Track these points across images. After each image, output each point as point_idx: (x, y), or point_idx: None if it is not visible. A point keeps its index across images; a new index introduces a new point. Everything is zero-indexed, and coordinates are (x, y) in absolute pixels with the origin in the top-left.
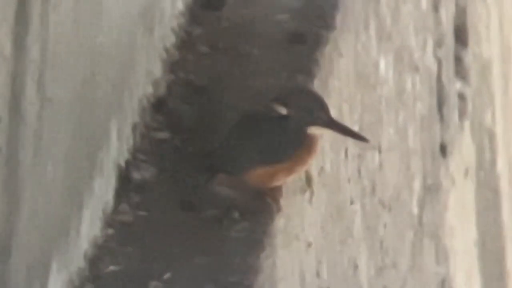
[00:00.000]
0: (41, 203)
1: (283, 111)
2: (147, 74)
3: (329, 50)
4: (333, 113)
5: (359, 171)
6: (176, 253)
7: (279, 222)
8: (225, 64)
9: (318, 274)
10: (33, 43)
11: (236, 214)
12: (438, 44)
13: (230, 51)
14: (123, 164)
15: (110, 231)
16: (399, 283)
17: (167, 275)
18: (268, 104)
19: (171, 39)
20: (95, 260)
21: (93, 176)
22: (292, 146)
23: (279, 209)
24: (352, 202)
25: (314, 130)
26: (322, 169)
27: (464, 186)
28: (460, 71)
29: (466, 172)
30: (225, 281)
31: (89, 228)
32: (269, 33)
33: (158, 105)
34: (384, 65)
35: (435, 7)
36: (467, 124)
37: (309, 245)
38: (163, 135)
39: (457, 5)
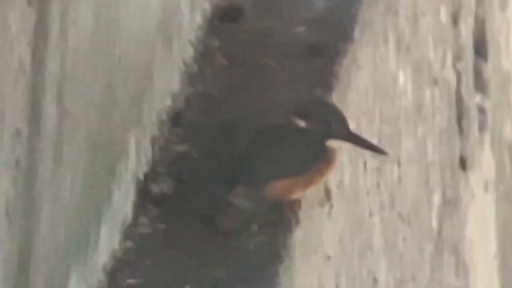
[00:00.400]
0: (59, 216)
1: (302, 123)
2: (165, 87)
3: (347, 63)
4: (352, 126)
5: (378, 184)
6: (194, 266)
7: (298, 235)
8: (243, 77)
9: (337, 287)
10: (52, 56)
11: (254, 227)
12: (458, 57)
13: (248, 64)
14: (141, 177)
15: (129, 244)
16: None
17: None
18: (286, 116)
19: (189, 52)
20: (114, 273)
21: (112, 189)
22: (310, 159)
23: (297, 222)
24: (371, 215)
25: (332, 143)
26: (341, 182)
27: (484, 199)
28: (480, 84)
29: (486, 186)
30: None
31: (107, 241)
32: (288, 45)
33: (177, 118)
34: (403, 77)
35: (455, 20)
36: (487, 137)
37: (328, 258)
38: (182, 148)
39: (476, 18)
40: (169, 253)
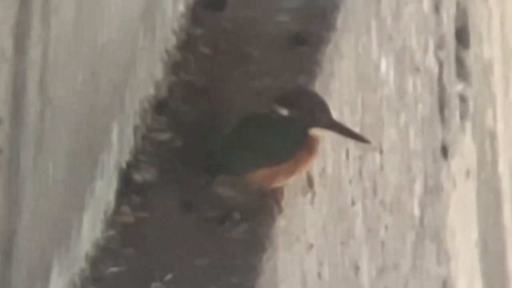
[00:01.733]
0: (42, 205)
1: (285, 112)
2: (148, 76)
3: (330, 51)
4: (334, 114)
5: (360, 172)
6: (177, 255)
7: (281, 223)
8: (226, 65)
9: (319, 276)
10: (34, 44)
11: (237, 216)
12: (439, 45)
13: (231, 52)
14: (124, 165)
15: (112, 232)
16: (401, 284)
17: (168, 277)
18: (269, 105)
19: (172, 41)
20: (96, 262)
21: (94, 178)
22: (293, 147)
23: (280, 211)
24: (353, 203)
25: (315, 131)
26: (323, 170)
27: (466, 187)
28: (461, 72)
29: (467, 174)
30: (227, 283)
31: (90, 229)
32: (270, 34)
33: (160, 107)
34: (385, 66)
35: (436, 8)
36: (468, 125)
37: (310, 246)
38: (165, 136)
39: (458, 6)
40: (152, 242)
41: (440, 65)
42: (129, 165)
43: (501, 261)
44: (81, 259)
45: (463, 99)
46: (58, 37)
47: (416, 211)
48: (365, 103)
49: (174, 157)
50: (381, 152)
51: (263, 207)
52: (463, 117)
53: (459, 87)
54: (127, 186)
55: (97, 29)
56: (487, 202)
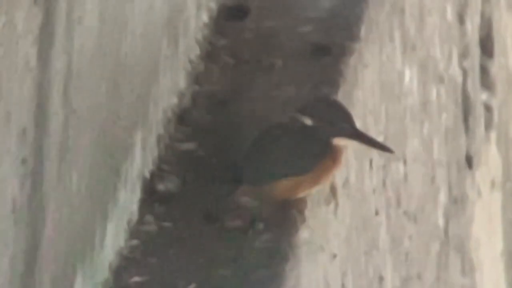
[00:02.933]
0: (66, 215)
1: (308, 122)
2: (171, 85)
3: (353, 61)
4: (358, 124)
5: (384, 182)
6: (200, 264)
7: (304, 233)
8: (249, 75)
9: (343, 286)
10: (58, 54)
11: (260, 225)
12: (464, 54)
13: (254, 62)
14: (147, 175)
15: (135, 242)
16: None
17: (191, 286)
18: (292, 115)
19: (195, 51)
20: (120, 271)
21: (118, 187)
22: (317, 157)
23: (303, 220)
24: (377, 213)
25: (338, 141)
26: (346, 180)
27: (491, 197)
28: (486, 81)
29: (493, 184)
30: None
31: (114, 239)
32: (293, 44)
33: (183, 116)
34: (409, 76)
35: (461, 18)
36: (493, 135)
37: (334, 256)
38: (188, 146)
39: (482, 15)
40: (175, 251)
41: (464, 74)
42: (152, 174)
43: None
44: (105, 268)
45: (487, 108)
46: (81, 47)
47: (441, 221)
48: (389, 113)
49: (197, 166)
50: (404, 162)
51: (286, 217)
52: (487, 126)
53: (483, 96)
54: (150, 196)
55: (120, 39)
56: None
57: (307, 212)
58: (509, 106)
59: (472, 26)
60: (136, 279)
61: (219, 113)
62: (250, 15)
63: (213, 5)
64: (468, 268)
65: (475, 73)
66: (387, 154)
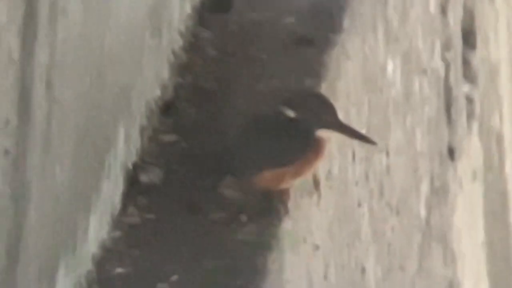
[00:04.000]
0: (49, 206)
1: (291, 114)
2: (155, 77)
3: (336, 53)
4: (341, 116)
5: (366, 174)
6: (183, 256)
7: (287, 224)
8: (233, 68)
9: (325, 277)
10: (41, 45)
11: (243, 217)
12: (446, 47)
13: (238, 55)
14: (130, 167)
15: (118, 233)
16: (407, 286)
17: (174, 278)
18: (276, 107)
19: (179, 42)
20: (102, 263)
21: (101, 179)
22: (300, 149)
23: (286, 212)
24: (359, 205)
25: (322, 133)
26: (329, 172)
27: (472, 188)
28: (468, 73)
29: (474, 175)
30: (233, 284)
31: (96, 230)
32: (277, 36)
33: (166, 108)
34: (392, 67)
35: (443, 10)
36: (475, 126)
37: (316, 248)
38: (171, 138)
39: (465, 8)
40: (158, 243)
41: (447, 66)
42: (135, 166)
43: (507, 262)
44: (88, 260)
45: (469, 100)
46: (65, 38)
47: (423, 213)
48: (372, 104)
49: (180, 158)
50: (387, 153)
51: (269, 209)
52: (469, 118)
53: (465, 88)
54: (133, 187)
55: (104, 30)
56: (493, 204)
57: (290, 204)
58: (491, 98)
59: (455, 18)
60: (119, 270)
61: (202, 105)
62: (234, 7)
63: None
64: (449, 259)
65: (458, 65)
66: (370, 146)
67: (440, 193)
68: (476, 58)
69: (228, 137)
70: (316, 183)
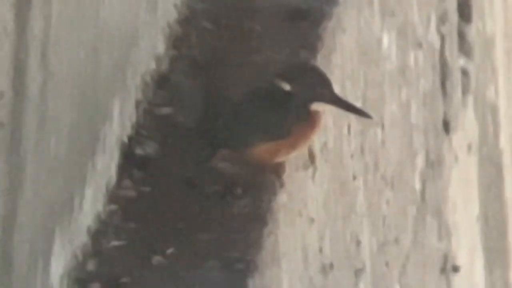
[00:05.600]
0: (44, 179)
1: (286, 87)
2: (150, 50)
3: (332, 26)
4: (336, 89)
5: (361, 147)
6: (179, 229)
7: (282, 198)
8: (228, 40)
9: (320, 250)
10: (35, 18)
11: (239, 190)
12: (442, 20)
13: (233, 27)
14: (126, 140)
15: (113, 206)
16: (402, 258)
17: (170, 250)
18: (271, 80)
19: (173, 15)
20: (98, 236)
21: (96, 152)
22: (295, 122)
23: (281, 185)
24: (354, 178)
25: (317, 106)
26: (325, 145)
27: (467, 161)
28: (464, 47)
29: (469, 148)
30: (228, 257)
31: (92, 203)
32: (272, 9)
33: (161, 81)
34: (387, 41)
35: None
36: (470, 99)
37: (311, 221)
38: (166, 111)
39: None
40: (154, 216)
41: (442, 39)
42: (130, 139)
43: (502, 235)
44: (83, 233)
45: (465, 73)
46: (59, 11)
47: (418, 186)
48: (367, 78)
49: (176, 131)
50: (382, 127)
51: (264, 182)
52: (465, 91)
53: (461, 61)
54: (128, 160)
55: (99, 3)
56: (488, 177)
57: (285, 177)
58: (486, 71)
59: None
60: (115, 243)
61: (197, 78)
62: None
63: None
64: (444, 232)
65: (453, 38)
66: (365, 119)
67: (435, 166)
68: (472, 32)
69: (223, 109)
70: (311, 157)
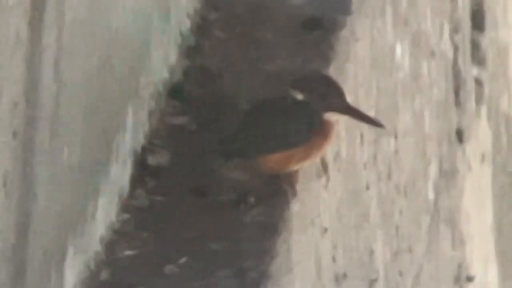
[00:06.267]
0: (57, 188)
1: (299, 96)
2: (163, 60)
3: (345, 35)
4: (349, 98)
5: (375, 157)
6: (191, 238)
7: (295, 207)
8: (240, 49)
9: (333, 259)
10: (49, 27)
11: (251, 199)
12: (455, 29)
13: (245, 36)
14: (139, 149)
15: (126, 216)
16: (415, 268)
17: (182, 260)
18: (284, 89)
19: (186, 24)
20: (111, 245)
21: (109, 161)
22: (308, 131)
23: (294, 194)
24: (367, 188)
25: (330, 116)
26: (337, 154)
27: (481, 171)
28: (477, 56)
29: (483, 157)
30: (241, 266)
31: (105, 213)
32: (284, 18)
33: (174, 91)
34: (400, 50)
35: None
36: (483, 109)
37: (324, 230)
38: (179, 120)
39: None
40: (166, 225)
41: (456, 49)
42: (143, 149)
43: None
44: (96, 242)
45: (478, 83)
46: (72, 21)
47: (431, 195)
48: (380, 87)
49: (188, 140)
50: (395, 136)
51: (277, 191)
52: (478, 101)
53: (474, 71)
54: (141, 170)
55: (112, 12)
56: (502, 186)
57: (298, 186)
58: (499, 80)
59: (464, 0)
60: (127, 252)
61: (210, 87)
62: None
63: None
64: (458, 241)
65: (466, 47)
66: (378, 129)
67: (448, 175)
68: (485, 41)
69: (236, 119)
70: (324, 166)
